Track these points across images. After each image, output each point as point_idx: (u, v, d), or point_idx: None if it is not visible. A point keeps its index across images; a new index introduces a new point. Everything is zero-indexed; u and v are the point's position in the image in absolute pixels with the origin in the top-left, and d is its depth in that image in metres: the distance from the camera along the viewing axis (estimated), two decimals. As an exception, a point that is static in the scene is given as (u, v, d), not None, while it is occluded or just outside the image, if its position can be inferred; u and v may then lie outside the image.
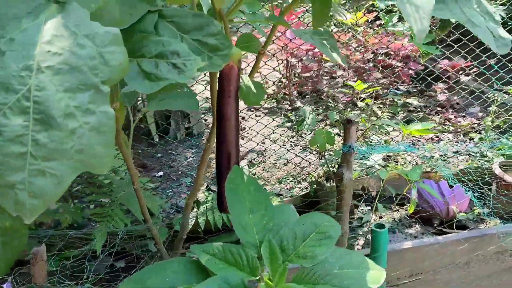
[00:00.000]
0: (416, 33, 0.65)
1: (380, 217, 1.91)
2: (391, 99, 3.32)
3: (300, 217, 1.02)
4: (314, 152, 1.89)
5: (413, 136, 2.77)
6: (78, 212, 1.59)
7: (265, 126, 2.48)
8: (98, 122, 0.67)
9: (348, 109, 3.14)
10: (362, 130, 2.48)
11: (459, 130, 2.86)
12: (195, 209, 1.81)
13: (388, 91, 3.07)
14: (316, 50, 3.50)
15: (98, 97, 0.69)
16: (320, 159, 2.03)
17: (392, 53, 3.39)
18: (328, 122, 3.01)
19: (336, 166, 1.46)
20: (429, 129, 1.43)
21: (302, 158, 2.19)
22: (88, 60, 0.70)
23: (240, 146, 1.07)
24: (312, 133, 2.42)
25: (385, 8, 3.57)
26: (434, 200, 1.83)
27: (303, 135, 2.70)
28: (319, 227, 0.99)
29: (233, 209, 0.96)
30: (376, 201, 1.57)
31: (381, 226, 1.50)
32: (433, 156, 2.47)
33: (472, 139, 2.76)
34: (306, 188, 2.10)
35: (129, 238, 1.72)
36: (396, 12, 3.24)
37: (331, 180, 1.92)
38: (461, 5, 0.86)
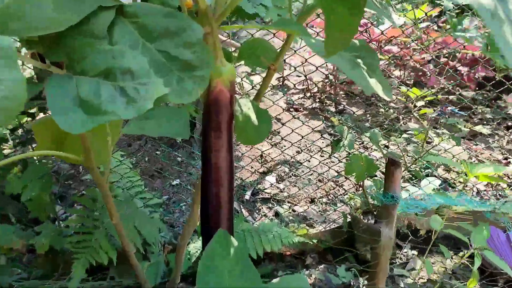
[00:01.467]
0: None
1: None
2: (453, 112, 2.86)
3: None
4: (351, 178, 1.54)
5: (478, 158, 2.33)
6: (58, 235, 1.34)
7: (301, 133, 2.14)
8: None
9: (401, 122, 2.73)
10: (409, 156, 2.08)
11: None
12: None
13: (440, 111, 2.59)
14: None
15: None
16: (357, 190, 1.67)
17: (458, 55, 2.93)
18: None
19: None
20: (501, 175, 1.05)
21: (336, 184, 1.84)
22: None
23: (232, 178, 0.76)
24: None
25: (454, 8, 3.08)
26: (502, 254, 1.43)
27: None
28: None
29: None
30: (425, 256, 1.20)
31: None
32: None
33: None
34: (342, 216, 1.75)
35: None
36: (468, 13, 2.61)
37: (371, 214, 1.56)
38: None
